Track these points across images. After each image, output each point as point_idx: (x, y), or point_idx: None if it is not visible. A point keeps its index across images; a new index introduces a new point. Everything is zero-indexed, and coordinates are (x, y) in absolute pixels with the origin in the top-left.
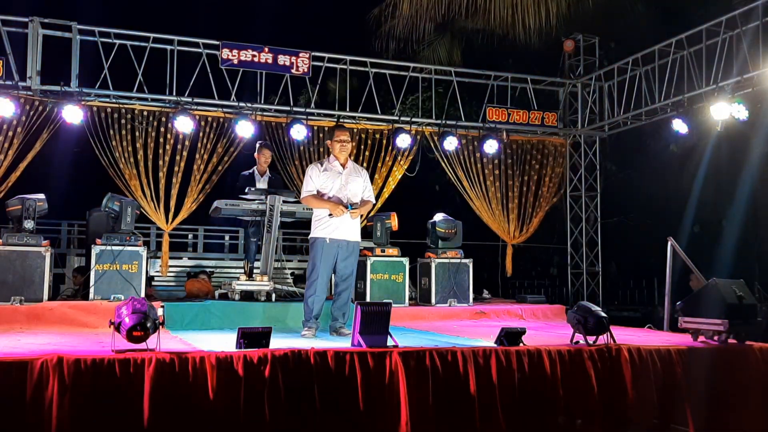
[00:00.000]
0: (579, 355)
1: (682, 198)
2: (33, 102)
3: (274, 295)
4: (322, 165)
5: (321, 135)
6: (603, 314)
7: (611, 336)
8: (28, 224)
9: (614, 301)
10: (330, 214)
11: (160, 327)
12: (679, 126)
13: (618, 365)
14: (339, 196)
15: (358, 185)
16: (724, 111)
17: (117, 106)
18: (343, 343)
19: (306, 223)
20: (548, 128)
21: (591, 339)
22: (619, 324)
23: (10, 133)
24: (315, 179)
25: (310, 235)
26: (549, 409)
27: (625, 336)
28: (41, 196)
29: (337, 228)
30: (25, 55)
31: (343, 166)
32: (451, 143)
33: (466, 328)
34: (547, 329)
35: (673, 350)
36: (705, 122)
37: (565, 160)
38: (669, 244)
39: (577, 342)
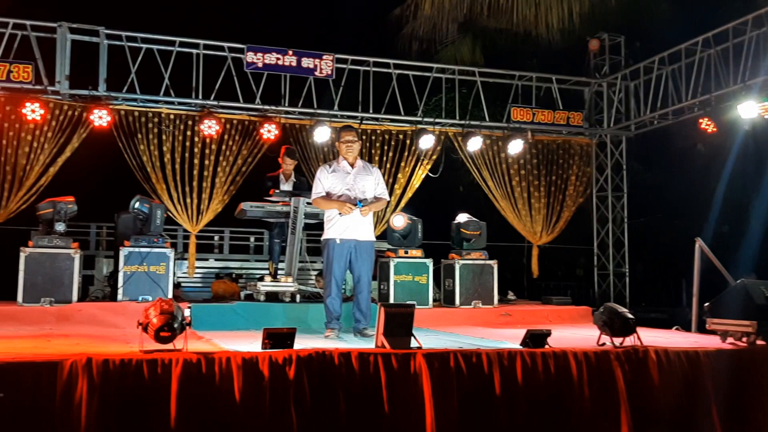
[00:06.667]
0: (605, 357)
1: (709, 197)
2: (62, 106)
3: (298, 296)
4: (330, 166)
5: None
6: (630, 315)
7: (638, 337)
8: (60, 227)
9: (641, 302)
10: (339, 213)
11: (187, 327)
12: (706, 125)
13: (645, 367)
14: (348, 195)
15: (368, 183)
16: (751, 110)
17: (144, 110)
18: (366, 345)
19: None
20: (574, 128)
21: (617, 341)
22: (646, 325)
23: (42, 138)
24: (324, 181)
25: (322, 237)
26: (575, 411)
27: (652, 337)
28: (71, 198)
29: (347, 228)
30: (54, 60)
31: (352, 165)
32: (475, 144)
33: (491, 329)
34: (573, 331)
35: (701, 352)
36: (732, 121)
37: (591, 160)
38: (697, 244)
39: (604, 344)
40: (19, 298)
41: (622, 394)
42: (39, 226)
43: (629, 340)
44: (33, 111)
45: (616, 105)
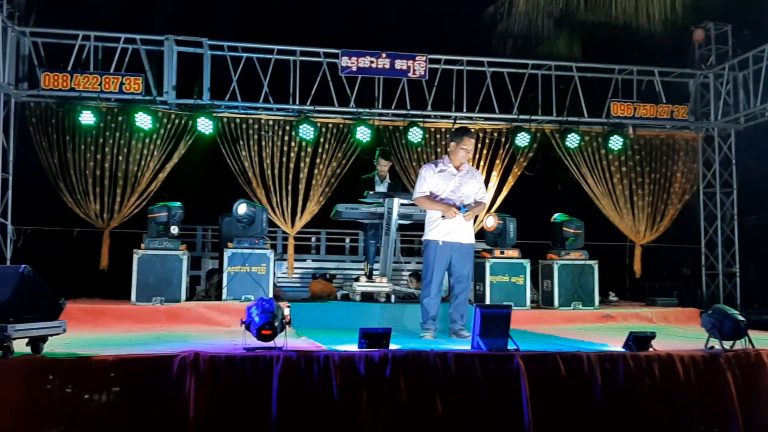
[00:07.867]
0: (715, 361)
1: None
2: (170, 115)
3: (393, 297)
4: (436, 166)
5: (438, 136)
6: (741, 318)
7: (749, 341)
8: (174, 230)
9: (753, 304)
10: (443, 216)
11: (287, 326)
12: None
13: (758, 372)
14: (452, 198)
15: (471, 187)
16: None
17: (245, 116)
18: (462, 346)
19: (423, 225)
20: (678, 122)
21: (727, 344)
22: (758, 328)
23: (151, 146)
24: (429, 180)
25: (423, 237)
26: (683, 417)
27: (766, 341)
28: (178, 203)
29: (450, 230)
30: (162, 71)
31: (458, 168)
32: (573, 140)
33: (592, 332)
34: (679, 334)
35: None
36: None
37: (698, 155)
38: None
39: (712, 347)
40: (133, 297)
41: (734, 401)
42: (147, 229)
43: (740, 344)
44: (143, 120)
45: (724, 97)
